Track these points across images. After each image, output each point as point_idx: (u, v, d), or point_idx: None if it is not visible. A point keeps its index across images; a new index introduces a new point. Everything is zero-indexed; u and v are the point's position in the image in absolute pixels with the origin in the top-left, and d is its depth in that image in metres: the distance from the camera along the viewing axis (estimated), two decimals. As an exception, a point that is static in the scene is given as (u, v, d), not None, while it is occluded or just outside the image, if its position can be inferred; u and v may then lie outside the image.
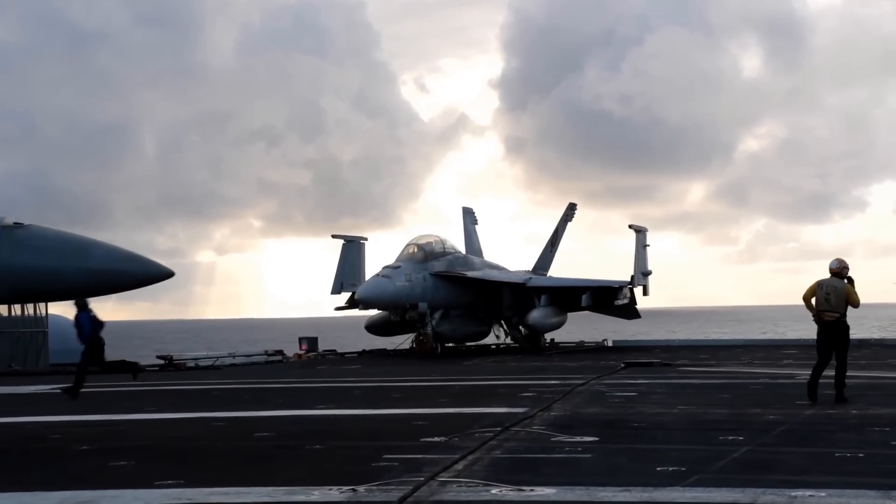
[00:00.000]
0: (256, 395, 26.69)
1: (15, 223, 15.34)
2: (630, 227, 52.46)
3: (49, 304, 41.07)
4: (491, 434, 15.98)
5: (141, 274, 15.92)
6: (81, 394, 20.84)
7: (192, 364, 40.77)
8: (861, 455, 13.66)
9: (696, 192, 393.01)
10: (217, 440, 17.14)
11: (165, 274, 16.12)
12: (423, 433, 16.46)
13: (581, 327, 66.19)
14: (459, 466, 13.04)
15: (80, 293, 16.29)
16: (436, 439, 15.69)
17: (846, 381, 20.56)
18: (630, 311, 52.23)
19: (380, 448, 14.78)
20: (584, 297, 49.79)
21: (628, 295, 50.73)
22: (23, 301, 16.15)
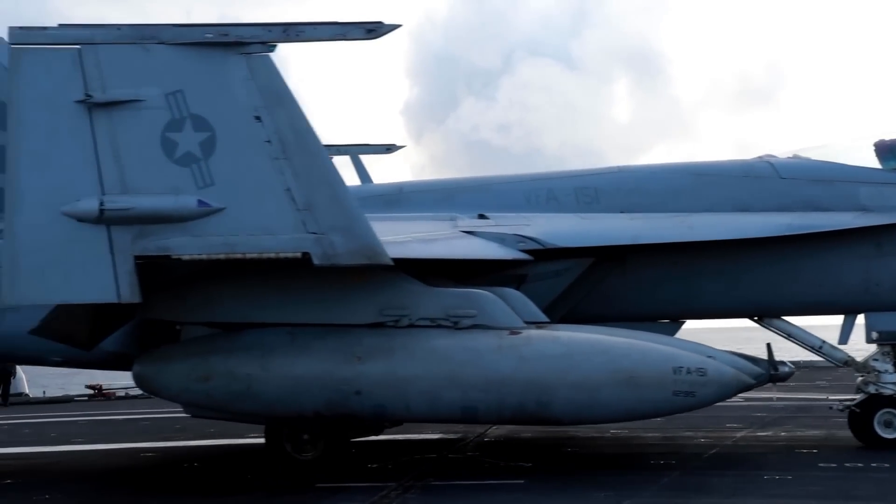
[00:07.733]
0: (187, 424, 26.26)
1: None
2: None
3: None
4: (427, 460, 15.92)
5: None
6: (6, 426, 20.41)
7: (122, 393, 40.08)
8: (790, 477, 13.83)
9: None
10: (147, 471, 16.85)
11: None
12: (360, 460, 16.34)
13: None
14: (393, 495, 12.98)
15: None
16: (373, 465, 15.60)
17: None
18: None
19: (316, 476, 14.65)
20: None
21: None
22: None
